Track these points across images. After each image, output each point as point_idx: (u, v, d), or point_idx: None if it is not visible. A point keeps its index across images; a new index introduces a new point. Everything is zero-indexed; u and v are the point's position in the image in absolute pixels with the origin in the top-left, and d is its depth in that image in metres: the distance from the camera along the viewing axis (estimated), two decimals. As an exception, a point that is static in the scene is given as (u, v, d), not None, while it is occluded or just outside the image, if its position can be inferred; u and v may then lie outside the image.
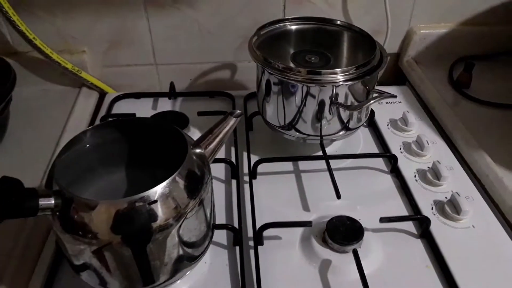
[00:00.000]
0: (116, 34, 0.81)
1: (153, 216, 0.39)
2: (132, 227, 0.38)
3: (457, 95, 0.79)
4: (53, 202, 0.38)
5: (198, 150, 0.46)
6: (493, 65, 0.86)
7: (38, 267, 0.51)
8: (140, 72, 0.86)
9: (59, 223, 0.39)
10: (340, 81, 0.57)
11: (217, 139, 0.47)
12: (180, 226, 0.41)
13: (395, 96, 0.59)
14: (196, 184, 0.43)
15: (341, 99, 0.60)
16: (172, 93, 0.80)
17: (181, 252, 0.43)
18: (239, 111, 0.49)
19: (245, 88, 0.89)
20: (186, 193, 0.41)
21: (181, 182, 0.41)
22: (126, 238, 0.39)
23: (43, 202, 0.37)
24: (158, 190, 0.39)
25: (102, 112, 0.78)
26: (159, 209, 0.39)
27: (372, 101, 0.58)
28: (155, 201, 0.38)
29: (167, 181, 0.39)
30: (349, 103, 0.61)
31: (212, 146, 0.47)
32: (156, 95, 0.82)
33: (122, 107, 0.79)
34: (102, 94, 0.85)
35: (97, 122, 0.75)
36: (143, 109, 0.78)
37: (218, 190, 0.62)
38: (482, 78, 0.81)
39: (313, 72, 0.58)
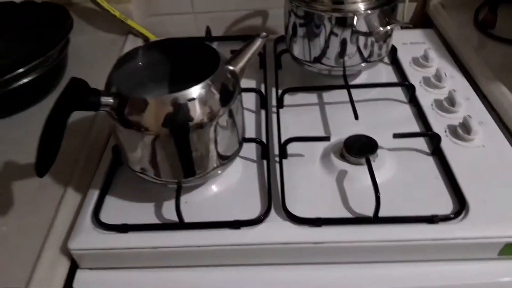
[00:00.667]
0: (158, -15, 0.88)
1: (191, 112, 0.46)
2: (174, 119, 0.46)
3: (481, 36, 0.82)
4: (111, 100, 0.46)
5: (229, 67, 0.53)
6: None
7: (98, 172, 0.61)
8: (180, 20, 0.93)
9: (117, 117, 0.47)
10: (362, 10, 0.62)
11: (246, 58, 0.54)
12: (213, 126, 0.48)
13: (410, 26, 0.63)
14: (226, 95, 0.50)
15: (362, 28, 0.64)
16: (208, 37, 0.87)
17: (214, 148, 0.51)
18: (264, 33, 0.55)
19: (276, 33, 0.94)
20: (218, 100, 0.49)
21: (214, 89, 0.48)
22: (171, 129, 0.47)
23: (104, 99, 0.46)
24: (195, 90, 0.46)
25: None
26: (196, 107, 0.47)
27: (387, 27, 0.62)
28: (193, 99, 0.46)
29: (203, 83, 0.47)
30: (365, 31, 0.65)
31: (241, 64, 0.54)
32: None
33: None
34: (146, 41, 0.93)
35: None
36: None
37: (248, 119, 0.69)
38: (507, 19, 0.83)
39: (337, 2, 0.63)
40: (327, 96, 0.73)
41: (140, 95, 0.47)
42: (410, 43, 0.83)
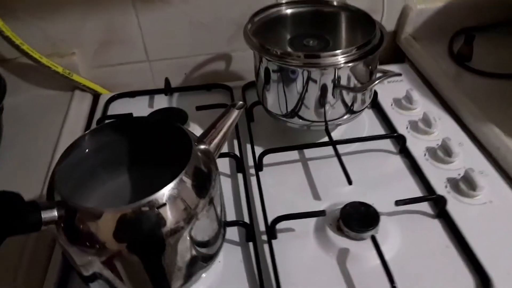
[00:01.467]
0: (106, 33, 0.78)
1: (163, 220, 0.37)
2: (141, 234, 0.36)
3: (459, 69, 0.78)
4: (56, 214, 0.36)
5: (202, 146, 0.44)
6: (492, 36, 0.83)
7: (46, 282, 0.49)
8: (133, 70, 0.83)
9: (64, 235, 0.37)
10: (341, 63, 0.55)
11: (221, 133, 0.45)
12: (191, 228, 0.39)
13: (399, 74, 0.58)
14: (204, 182, 0.41)
15: (343, 82, 0.58)
16: (168, 89, 0.77)
17: (194, 254, 0.41)
18: (241, 102, 0.47)
19: (242, 78, 0.87)
20: (195, 193, 0.40)
21: (188, 182, 0.39)
22: (136, 246, 0.37)
23: (46, 215, 0.36)
24: (165, 192, 0.37)
25: (98, 114, 0.76)
26: (168, 212, 0.37)
27: (377, 81, 0.56)
28: (164, 204, 0.37)
29: (174, 181, 0.37)
30: (352, 85, 0.59)
31: (216, 140, 0.45)
32: (151, 93, 0.80)
33: (117, 108, 0.77)
34: (96, 96, 0.82)
35: (93, 124, 0.73)
36: (140, 107, 0.76)
37: (224, 185, 0.60)
38: (482, 50, 0.79)
39: (312, 56, 0.56)
40: (309, 151, 0.65)
41: (91, 194, 0.37)
42: (388, 82, 0.77)
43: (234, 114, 0.46)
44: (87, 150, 0.43)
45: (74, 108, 0.78)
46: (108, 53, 0.81)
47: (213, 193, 0.41)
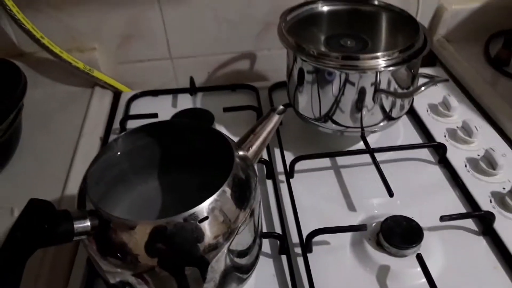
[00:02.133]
0: (128, 28, 0.75)
1: (201, 235, 0.34)
2: (177, 249, 0.33)
3: (496, 74, 0.74)
4: (89, 224, 0.33)
5: (241, 153, 0.41)
6: (532, 40, 0.80)
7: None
8: (155, 68, 0.80)
9: (96, 246, 0.35)
10: (382, 66, 0.52)
11: (260, 139, 0.43)
12: (231, 243, 0.36)
13: (447, 80, 0.54)
14: (244, 192, 0.38)
15: (383, 86, 0.54)
16: (192, 89, 0.74)
17: (232, 270, 0.38)
18: (282, 106, 0.44)
19: (266, 79, 0.84)
20: (236, 204, 0.36)
21: (229, 192, 0.36)
22: (171, 262, 0.34)
23: (78, 225, 0.33)
24: (208, 205, 0.34)
25: (119, 112, 0.73)
26: (207, 227, 0.34)
27: (425, 87, 0.52)
28: (206, 218, 0.33)
29: (217, 193, 0.34)
30: (392, 90, 0.55)
31: (255, 147, 0.42)
32: (175, 92, 0.77)
33: (140, 107, 0.74)
34: (117, 93, 0.80)
35: (116, 124, 0.70)
36: (163, 107, 0.73)
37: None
38: (522, 55, 0.75)
39: (351, 58, 0.53)
40: (342, 158, 0.62)
41: (122, 200, 0.35)
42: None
43: (275, 119, 0.43)
44: (119, 153, 0.41)
45: (94, 105, 0.75)
46: (130, 49, 0.78)
47: (253, 204, 0.38)
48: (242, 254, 0.39)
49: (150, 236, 0.33)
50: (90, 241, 0.35)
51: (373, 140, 0.64)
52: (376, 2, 0.62)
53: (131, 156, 0.42)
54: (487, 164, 0.57)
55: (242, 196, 0.37)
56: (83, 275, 0.48)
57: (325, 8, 0.63)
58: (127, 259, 0.34)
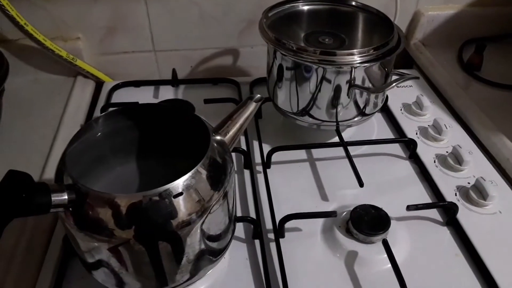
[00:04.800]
0: (113, 19, 0.76)
1: (175, 211, 0.35)
2: (152, 223, 0.35)
3: (468, 78, 0.77)
4: (66, 197, 0.34)
5: (218, 137, 0.42)
6: (502, 47, 0.84)
7: (43, 270, 0.47)
8: (138, 60, 0.82)
9: (73, 219, 0.36)
10: (358, 62, 0.54)
11: (237, 125, 0.44)
12: (203, 221, 0.38)
13: (417, 78, 0.57)
14: (219, 175, 0.39)
15: (358, 82, 0.57)
16: (174, 81, 0.76)
17: (204, 248, 0.40)
18: (259, 95, 0.46)
19: (248, 74, 0.86)
20: (210, 185, 0.38)
21: (204, 173, 0.38)
22: (146, 236, 0.35)
23: (55, 197, 0.34)
24: (182, 182, 0.35)
25: (101, 102, 0.74)
26: (181, 203, 0.35)
27: (395, 83, 0.55)
28: (180, 194, 0.35)
29: (192, 171, 0.36)
30: (366, 86, 0.58)
31: (232, 133, 0.44)
32: (157, 83, 0.78)
33: (122, 96, 0.75)
34: (99, 83, 0.80)
35: (97, 112, 0.71)
36: (145, 98, 0.74)
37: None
38: (492, 60, 0.79)
39: (328, 53, 0.55)
40: (318, 151, 0.64)
41: (100, 179, 0.36)
42: (398, 86, 0.76)
43: (252, 106, 0.45)
44: (98, 134, 0.42)
45: (76, 94, 0.75)
46: (114, 40, 0.79)
47: (227, 186, 0.40)
48: (215, 233, 0.41)
49: (125, 209, 0.34)
50: (67, 215, 0.36)
51: (348, 135, 0.67)
52: (354, 3, 0.64)
53: (110, 137, 0.43)
54: (454, 160, 0.60)
55: (216, 177, 0.39)
56: (58, 256, 0.48)
57: (306, 7, 0.65)
58: (103, 232, 0.35)
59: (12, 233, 0.50)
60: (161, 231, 0.35)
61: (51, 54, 0.74)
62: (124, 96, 0.75)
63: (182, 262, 0.38)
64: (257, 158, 0.62)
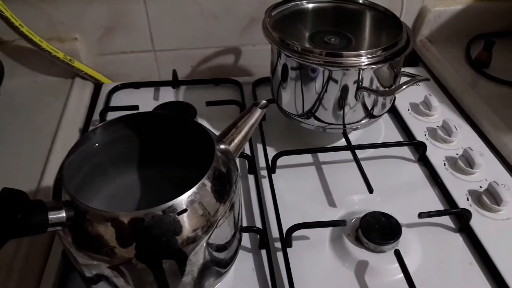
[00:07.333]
0: (111, 19, 0.74)
1: (180, 228, 0.33)
2: (156, 241, 0.33)
3: (476, 75, 0.75)
4: (64, 215, 0.32)
5: (222, 146, 0.40)
6: (511, 43, 0.82)
7: (43, 282, 0.46)
8: (137, 60, 0.79)
9: (71, 238, 0.34)
10: (365, 64, 0.52)
11: (242, 133, 0.42)
12: (209, 236, 0.36)
13: (428, 79, 0.55)
14: (225, 186, 0.38)
15: (366, 84, 0.55)
16: (175, 82, 0.73)
17: (210, 264, 0.38)
18: (264, 101, 0.44)
19: (250, 74, 0.84)
20: (216, 198, 0.36)
21: (209, 186, 0.36)
22: (149, 255, 0.34)
23: (53, 216, 0.32)
24: (187, 198, 0.33)
25: (100, 104, 0.71)
26: (186, 220, 0.34)
27: (406, 86, 0.53)
28: (185, 210, 0.33)
29: (196, 186, 0.34)
30: (374, 88, 0.56)
31: (237, 141, 0.42)
32: (157, 84, 0.76)
33: (121, 99, 0.73)
34: (97, 85, 0.78)
35: (96, 116, 0.69)
36: (145, 100, 0.72)
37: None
38: (501, 57, 0.77)
39: (335, 55, 0.53)
40: (324, 154, 0.62)
41: (99, 192, 0.34)
42: (404, 85, 0.74)
43: (257, 113, 0.43)
44: (97, 145, 0.40)
45: (74, 96, 0.73)
46: (112, 41, 0.76)
47: (234, 197, 0.38)
48: (221, 247, 0.39)
49: (127, 228, 0.32)
50: (66, 233, 0.34)
51: (355, 137, 0.65)
52: (360, 1, 0.62)
53: (109, 147, 0.41)
54: (465, 163, 0.58)
55: (222, 189, 0.37)
56: (57, 268, 0.47)
57: (310, 5, 0.63)
58: (103, 251, 0.33)
59: (11, 245, 0.48)
60: (165, 250, 0.34)
61: (47, 55, 0.72)
62: (124, 98, 0.73)
63: (187, 280, 0.36)
64: (262, 162, 0.61)
